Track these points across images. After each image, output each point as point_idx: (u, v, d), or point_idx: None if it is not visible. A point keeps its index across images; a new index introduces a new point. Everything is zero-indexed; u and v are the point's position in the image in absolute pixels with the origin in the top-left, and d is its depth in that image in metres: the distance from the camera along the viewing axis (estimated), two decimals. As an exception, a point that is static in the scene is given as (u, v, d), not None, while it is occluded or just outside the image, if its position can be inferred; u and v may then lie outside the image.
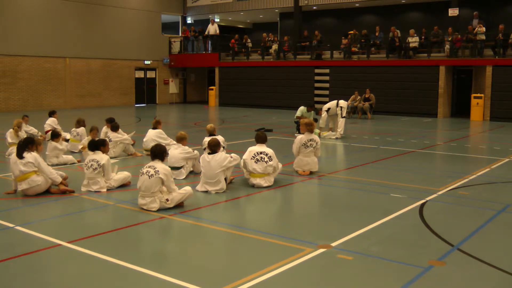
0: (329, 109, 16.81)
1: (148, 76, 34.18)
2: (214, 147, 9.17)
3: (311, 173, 10.70)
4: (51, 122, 15.43)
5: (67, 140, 13.67)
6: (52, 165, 10.68)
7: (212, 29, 33.03)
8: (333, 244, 6.34)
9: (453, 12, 25.34)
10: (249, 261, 5.91)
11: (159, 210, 7.84)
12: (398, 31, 26.37)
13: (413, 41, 25.82)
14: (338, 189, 9.85)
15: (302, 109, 17.45)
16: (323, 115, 16.81)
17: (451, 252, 6.18)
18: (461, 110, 25.43)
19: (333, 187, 9.99)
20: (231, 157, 9.24)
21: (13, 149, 12.06)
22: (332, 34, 29.98)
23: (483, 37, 23.90)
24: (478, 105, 23.52)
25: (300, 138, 10.71)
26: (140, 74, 33.71)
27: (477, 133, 19.47)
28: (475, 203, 8.59)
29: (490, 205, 8.41)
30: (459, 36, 24.44)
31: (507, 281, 5.46)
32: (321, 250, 6.15)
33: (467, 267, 5.76)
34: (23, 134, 13.02)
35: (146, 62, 33.65)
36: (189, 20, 37.30)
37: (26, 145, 8.89)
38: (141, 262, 5.76)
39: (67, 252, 6.15)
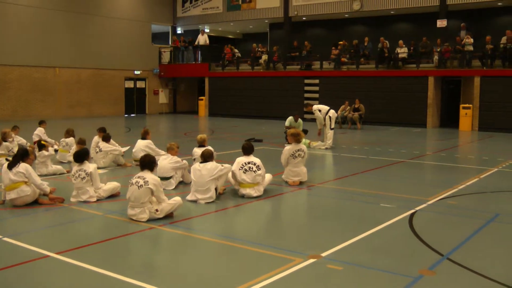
0: (320, 111, 16.79)
1: (138, 86, 34.12)
2: (207, 158, 9.18)
3: (301, 183, 10.70)
4: (38, 132, 15.36)
5: (56, 151, 13.59)
6: (41, 175, 10.60)
7: (202, 39, 33.09)
8: (323, 254, 6.33)
9: (441, 23, 25.56)
10: (238, 272, 5.89)
11: (148, 220, 7.80)
12: (387, 41, 26.57)
13: (402, 51, 26.00)
14: (327, 199, 9.85)
15: (290, 119, 17.58)
16: (317, 115, 16.73)
17: (441, 261, 6.19)
18: (450, 120, 25.59)
19: (323, 197, 10.00)
20: (222, 166, 9.25)
21: (1, 160, 12.05)
22: (321, 45, 30.12)
23: (471, 48, 24.11)
24: (466, 115, 23.69)
25: (288, 149, 10.72)
26: (130, 84, 33.64)
27: (466, 143, 19.59)
28: (464, 213, 8.62)
29: (479, 215, 8.45)
30: (448, 47, 24.63)
31: (496, 290, 5.48)
32: (311, 260, 6.14)
33: (457, 277, 5.77)
34: (10, 145, 12.82)
35: (136, 72, 33.60)
36: (179, 30, 37.31)
37: (22, 157, 8.87)
38: (131, 273, 5.72)
39: (56, 264, 6.10)
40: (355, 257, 6.31)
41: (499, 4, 25.88)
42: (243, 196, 9.49)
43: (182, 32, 37.60)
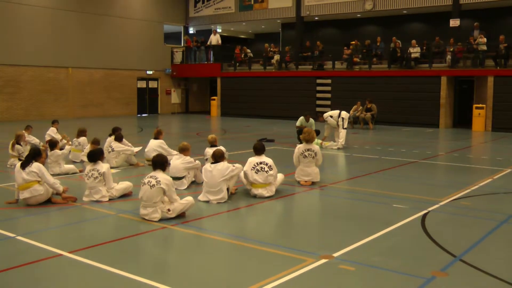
0: (331, 116, 16.79)
1: (150, 86, 34.26)
2: (219, 158, 9.18)
3: (313, 183, 10.69)
4: (50, 132, 15.48)
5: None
6: (54, 175, 10.68)
7: (214, 39, 33.14)
8: (335, 255, 6.32)
9: (454, 23, 25.41)
10: (250, 272, 5.89)
11: (160, 220, 7.83)
12: (400, 41, 26.45)
13: (415, 51, 25.88)
14: (340, 200, 9.83)
15: (301, 119, 17.59)
16: (329, 121, 16.73)
17: (454, 263, 6.15)
18: (463, 120, 25.44)
19: (335, 197, 9.98)
20: (234, 166, 9.26)
21: (14, 160, 12.13)
22: (333, 45, 30.09)
23: (484, 47, 23.94)
24: (480, 116, 23.52)
25: (298, 148, 10.77)
26: (142, 84, 33.79)
27: (479, 143, 19.45)
28: (477, 214, 8.57)
29: (492, 216, 8.39)
30: (461, 46, 24.46)
31: (510, 292, 5.44)
32: (323, 260, 6.13)
33: (469, 278, 5.73)
34: (21, 148, 12.81)
35: (148, 72, 33.74)
36: (191, 30, 37.43)
37: (34, 157, 8.94)
38: (143, 273, 5.74)
39: (68, 262, 6.14)
40: (367, 257, 6.29)
41: (513, 3, 25.69)
42: (255, 196, 9.49)
43: (194, 32, 37.71)
